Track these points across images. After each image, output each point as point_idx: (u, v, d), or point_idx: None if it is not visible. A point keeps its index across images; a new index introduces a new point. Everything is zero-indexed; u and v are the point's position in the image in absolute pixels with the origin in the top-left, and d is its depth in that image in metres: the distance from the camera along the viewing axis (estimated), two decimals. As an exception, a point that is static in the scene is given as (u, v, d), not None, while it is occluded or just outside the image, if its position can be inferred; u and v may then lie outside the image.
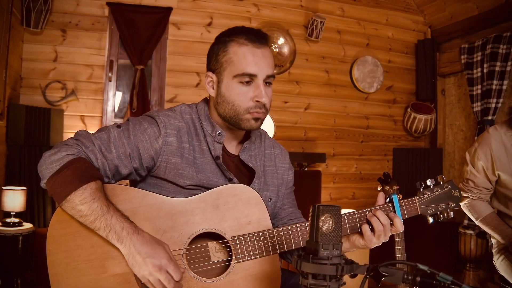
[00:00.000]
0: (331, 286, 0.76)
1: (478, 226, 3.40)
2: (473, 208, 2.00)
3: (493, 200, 2.00)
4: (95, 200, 1.05)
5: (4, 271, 2.56)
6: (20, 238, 2.53)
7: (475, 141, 2.02)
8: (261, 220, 1.20)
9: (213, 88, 1.26)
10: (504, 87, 3.51)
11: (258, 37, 1.22)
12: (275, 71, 1.32)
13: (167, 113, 1.26)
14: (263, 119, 1.26)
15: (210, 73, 1.27)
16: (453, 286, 0.76)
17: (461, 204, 2.07)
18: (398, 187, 1.33)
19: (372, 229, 1.17)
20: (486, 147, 1.91)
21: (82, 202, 1.04)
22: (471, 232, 3.27)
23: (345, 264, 0.77)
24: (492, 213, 1.96)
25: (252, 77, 1.20)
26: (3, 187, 2.67)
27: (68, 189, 1.05)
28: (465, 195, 2.01)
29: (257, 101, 1.21)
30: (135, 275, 1.08)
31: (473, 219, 2.03)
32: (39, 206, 3.05)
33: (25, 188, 2.72)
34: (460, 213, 3.67)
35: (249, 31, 1.23)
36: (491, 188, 1.96)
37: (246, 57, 1.20)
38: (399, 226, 1.18)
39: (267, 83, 1.23)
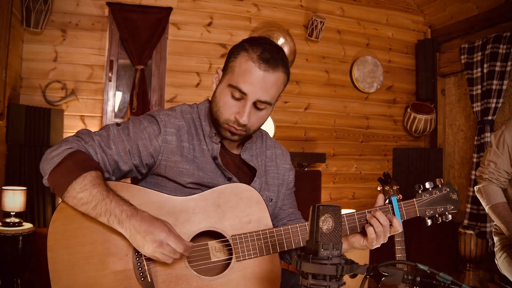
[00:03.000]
0: (331, 286, 0.76)
1: (478, 226, 3.43)
2: (487, 193, 2.02)
3: (508, 188, 2.02)
4: (95, 186, 1.06)
5: (4, 271, 2.56)
6: (20, 238, 2.53)
7: (502, 125, 2.10)
8: (262, 219, 1.21)
9: (215, 86, 1.27)
10: (504, 87, 3.51)
11: (269, 60, 1.15)
12: (277, 99, 1.25)
13: (167, 112, 1.27)
14: (242, 136, 1.25)
15: (219, 70, 1.27)
16: (453, 286, 0.76)
17: (476, 187, 2.09)
18: (398, 187, 1.32)
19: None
20: None
21: (82, 189, 1.05)
22: (471, 232, 3.27)
23: (345, 264, 0.77)
24: (504, 202, 1.98)
25: (242, 94, 1.17)
26: (3, 187, 2.67)
27: (69, 178, 1.06)
28: (484, 176, 2.04)
29: (236, 118, 1.19)
30: (135, 272, 1.09)
31: (484, 205, 2.05)
32: (39, 206, 3.05)
33: (25, 188, 2.72)
34: (460, 213, 3.67)
35: (266, 49, 1.17)
36: (511, 172, 2.00)
37: (245, 73, 1.16)
38: (398, 227, 1.20)
39: (257, 107, 1.20)
